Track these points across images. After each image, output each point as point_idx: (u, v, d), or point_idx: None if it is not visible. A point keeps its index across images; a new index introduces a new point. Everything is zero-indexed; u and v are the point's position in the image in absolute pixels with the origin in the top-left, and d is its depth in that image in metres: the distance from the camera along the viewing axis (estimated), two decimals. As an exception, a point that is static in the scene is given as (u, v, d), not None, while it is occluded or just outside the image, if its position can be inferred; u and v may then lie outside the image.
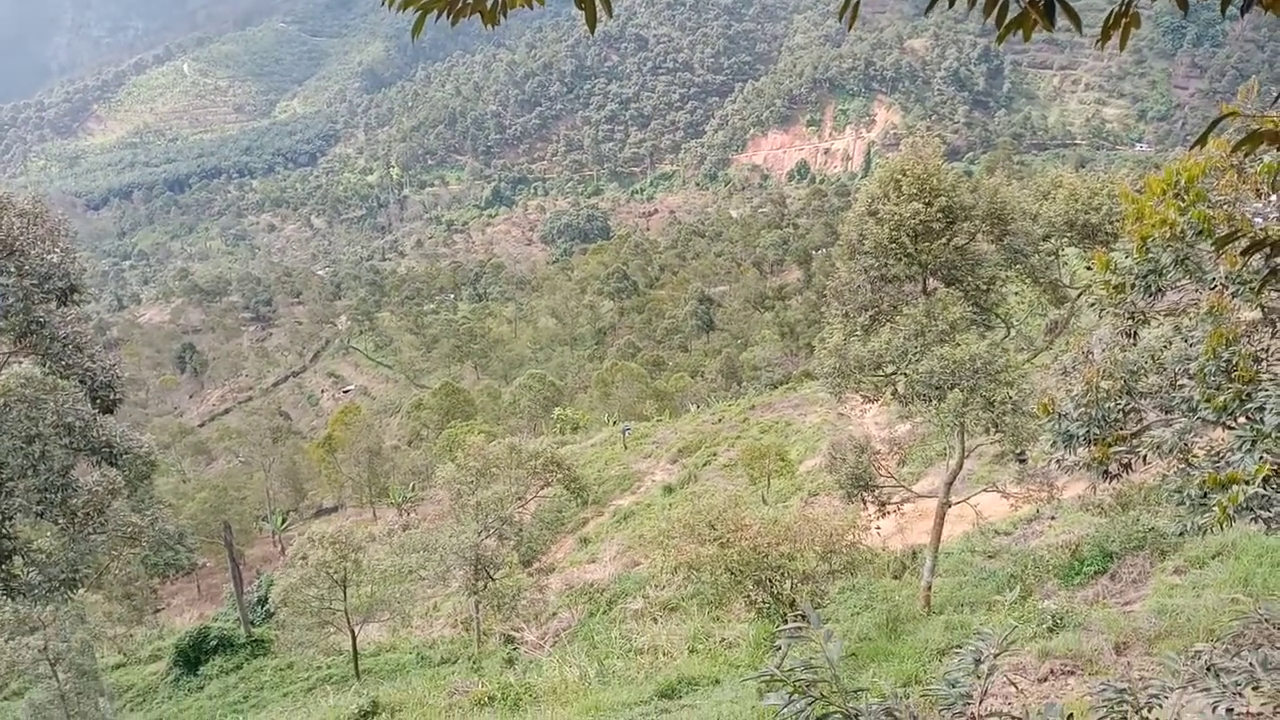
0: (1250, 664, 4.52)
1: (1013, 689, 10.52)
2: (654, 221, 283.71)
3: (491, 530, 31.78)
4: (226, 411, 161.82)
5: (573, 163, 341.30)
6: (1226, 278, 7.51)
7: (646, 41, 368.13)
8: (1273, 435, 6.23)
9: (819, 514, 20.07)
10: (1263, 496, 6.14)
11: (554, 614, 34.24)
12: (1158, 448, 7.47)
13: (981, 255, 19.48)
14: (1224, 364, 6.88)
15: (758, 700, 11.78)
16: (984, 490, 19.98)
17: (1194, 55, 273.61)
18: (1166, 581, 14.45)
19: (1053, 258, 20.38)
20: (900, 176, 18.28)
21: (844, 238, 19.89)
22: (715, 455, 53.14)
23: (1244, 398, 6.62)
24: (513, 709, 17.55)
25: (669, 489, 48.26)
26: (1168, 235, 7.73)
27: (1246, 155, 7.30)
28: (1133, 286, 8.40)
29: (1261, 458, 6.19)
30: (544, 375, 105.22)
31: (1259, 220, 6.53)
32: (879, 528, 19.82)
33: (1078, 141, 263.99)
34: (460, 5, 4.10)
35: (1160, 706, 4.25)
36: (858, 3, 4.06)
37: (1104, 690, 4.32)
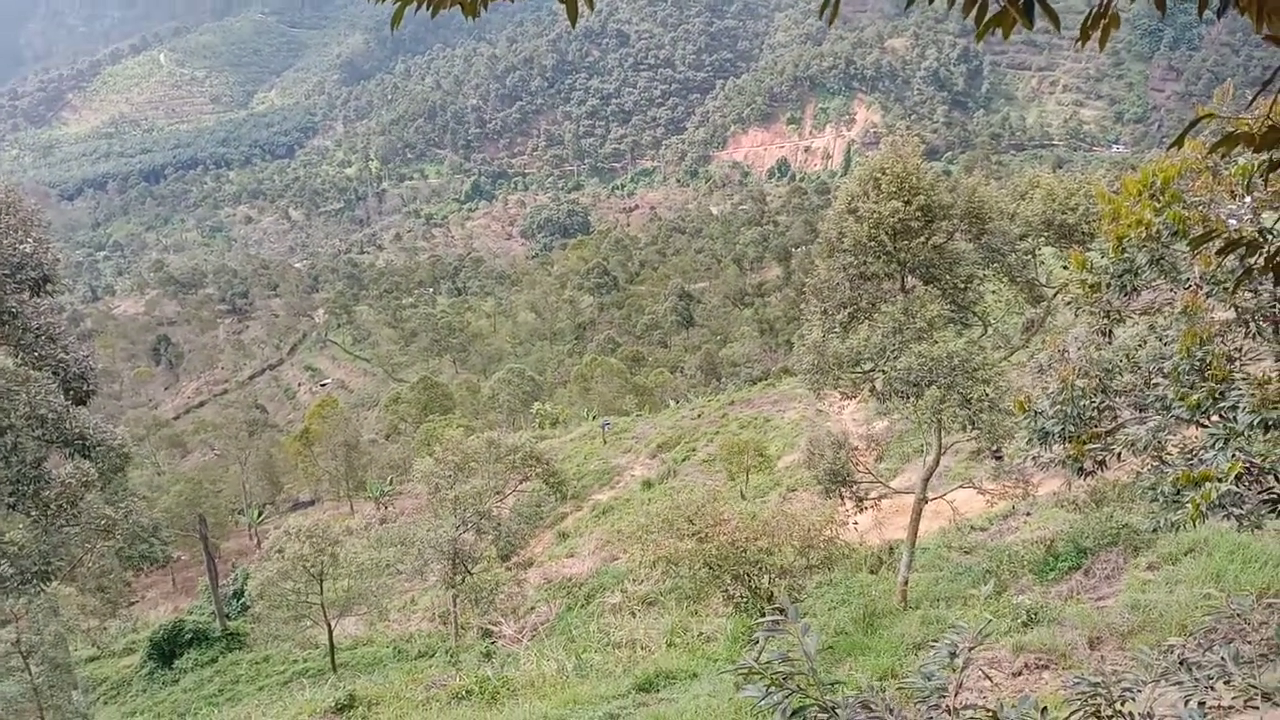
0: (1222, 658, 4.58)
1: (988, 682, 10.62)
2: (634, 217, 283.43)
3: (470, 524, 31.70)
4: (202, 404, 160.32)
5: (553, 158, 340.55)
6: (1201, 278, 7.60)
7: (628, 37, 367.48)
8: (1245, 433, 6.31)
9: (797, 509, 20.14)
10: (1235, 494, 6.21)
11: (532, 608, 34.23)
12: (1132, 445, 7.54)
13: (959, 254, 19.58)
14: (1198, 363, 6.96)
15: (735, 693, 11.82)
16: (960, 486, 20.13)
17: (1170, 58, 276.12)
18: (1140, 577, 14.60)
19: (1030, 257, 20.54)
20: (880, 175, 18.35)
21: (823, 235, 19.96)
22: (694, 451, 53.24)
23: (1217, 396, 6.70)
24: (490, 703, 17.53)
25: (648, 484, 48.32)
26: (1143, 235, 7.82)
27: (1222, 157, 7.38)
28: (1108, 286, 8.49)
29: (1234, 455, 6.27)
30: (523, 370, 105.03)
31: (1233, 221, 6.60)
32: (856, 523, 19.91)
33: (1055, 142, 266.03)
34: (443, -3, 4.08)
35: (1133, 700, 4.30)
36: (838, 1, 4.08)
37: (1078, 684, 4.36)
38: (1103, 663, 10.73)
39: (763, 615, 16.65)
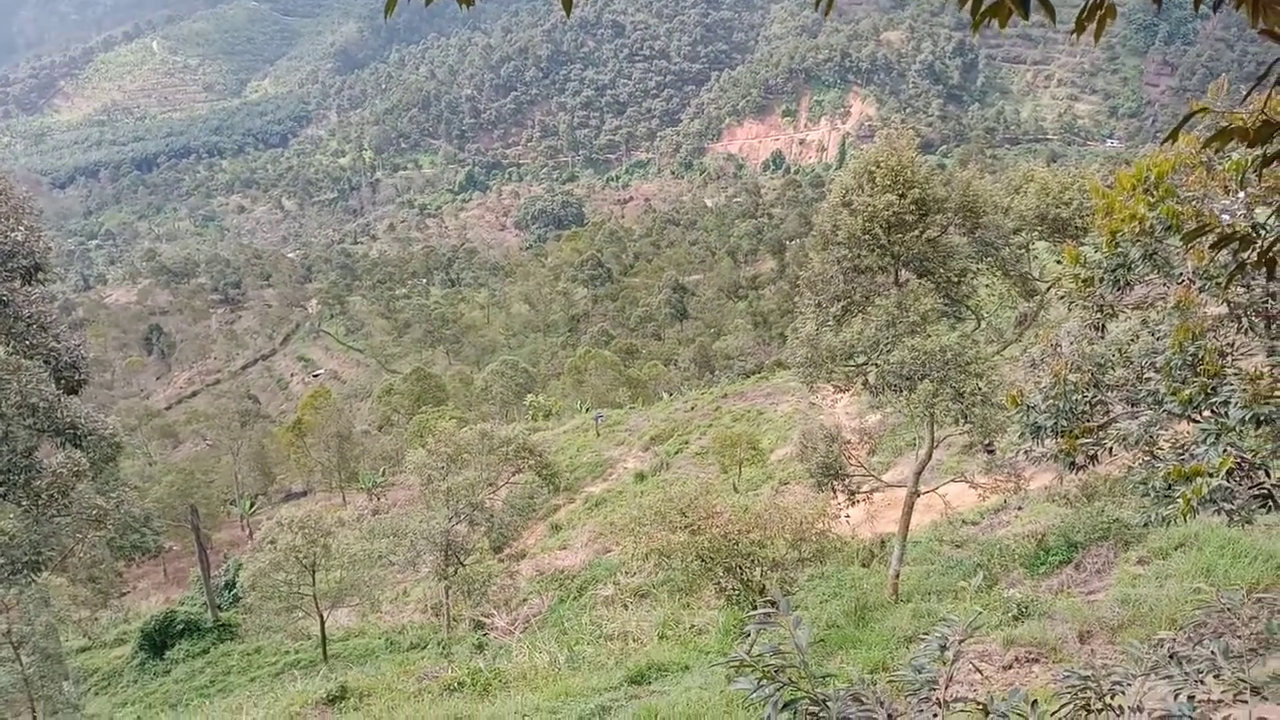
0: (1212, 652, 4.59)
1: (978, 675, 10.65)
2: (629, 209, 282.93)
3: (462, 516, 31.69)
4: (194, 394, 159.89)
5: (548, 149, 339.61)
6: (1194, 273, 7.60)
7: (623, 28, 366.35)
8: (1237, 429, 6.32)
9: (789, 502, 20.20)
10: (1226, 489, 6.23)
11: (524, 600, 34.28)
12: (1124, 440, 7.56)
13: (953, 248, 19.55)
14: (1190, 358, 6.97)
15: (727, 685, 11.84)
16: (952, 480, 20.19)
17: (1165, 53, 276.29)
18: (1130, 571, 14.65)
19: (1023, 251, 20.51)
20: (874, 168, 18.30)
21: (818, 228, 19.91)
22: (687, 443, 53.33)
23: (1209, 391, 6.71)
24: (482, 694, 17.52)
25: (641, 476, 48.39)
26: (1137, 230, 7.82)
27: (1216, 152, 7.39)
28: (1101, 280, 8.50)
29: (1225, 451, 6.28)
30: (516, 362, 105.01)
31: (1227, 216, 6.61)
32: (848, 516, 19.95)
33: (1050, 136, 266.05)
34: (437, -15, 4.05)
35: (1123, 694, 4.31)
36: (836, -9, 4.05)
37: (1068, 677, 4.37)
38: (1093, 656, 10.78)
39: (754, 608, 16.69)
